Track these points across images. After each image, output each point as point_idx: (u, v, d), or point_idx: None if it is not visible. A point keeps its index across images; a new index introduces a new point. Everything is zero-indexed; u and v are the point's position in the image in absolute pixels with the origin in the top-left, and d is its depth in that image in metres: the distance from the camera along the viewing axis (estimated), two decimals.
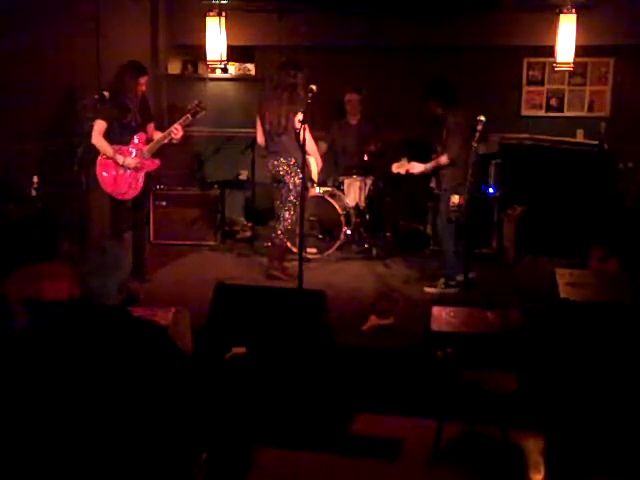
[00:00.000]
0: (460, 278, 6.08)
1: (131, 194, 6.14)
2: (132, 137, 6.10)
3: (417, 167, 6.36)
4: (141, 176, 6.14)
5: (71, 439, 2.59)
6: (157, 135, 6.21)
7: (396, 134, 7.68)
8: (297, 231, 5.76)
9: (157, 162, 6.21)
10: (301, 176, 5.82)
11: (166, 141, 6.16)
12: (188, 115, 6.15)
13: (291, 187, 6.37)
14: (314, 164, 6.50)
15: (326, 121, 7.67)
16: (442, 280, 6.25)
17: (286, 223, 6.46)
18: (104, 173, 6.10)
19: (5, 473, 2.53)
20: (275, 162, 6.40)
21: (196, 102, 6.25)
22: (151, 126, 6.26)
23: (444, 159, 6.12)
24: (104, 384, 2.69)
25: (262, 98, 6.65)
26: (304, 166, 5.75)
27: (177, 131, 6.07)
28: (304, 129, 5.56)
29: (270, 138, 6.41)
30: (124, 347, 2.73)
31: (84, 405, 2.62)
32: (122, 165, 6.04)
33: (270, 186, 6.69)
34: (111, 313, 2.79)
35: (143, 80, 6.05)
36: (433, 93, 6.19)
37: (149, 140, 6.18)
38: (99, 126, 5.97)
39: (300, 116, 5.92)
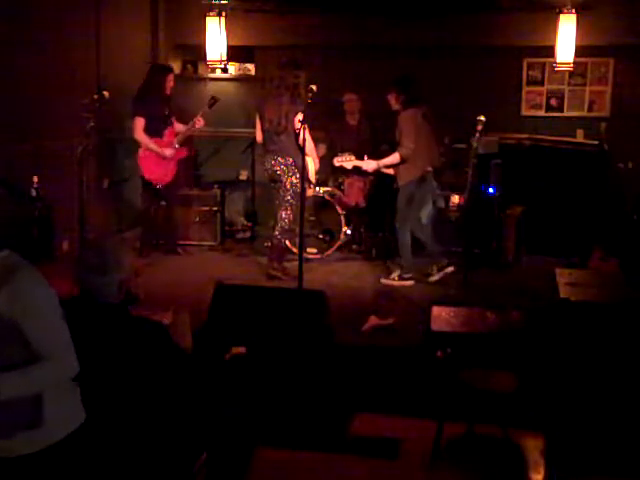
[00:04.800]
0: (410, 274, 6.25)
1: (167, 179, 6.98)
2: (164, 130, 6.91)
3: (370, 164, 6.44)
4: (174, 163, 7.00)
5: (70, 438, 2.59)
6: (178, 127, 7.05)
7: (395, 134, 7.64)
8: (297, 231, 5.75)
9: (186, 150, 7.06)
10: (298, 176, 5.80)
11: (190, 132, 7.05)
12: (206, 107, 6.98)
13: (288, 187, 6.35)
14: (312, 165, 6.47)
15: (325, 121, 7.66)
16: (397, 272, 6.34)
17: (283, 223, 6.45)
18: (146, 163, 6.88)
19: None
20: (272, 161, 6.37)
21: (210, 97, 7.03)
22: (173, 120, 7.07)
23: (396, 157, 6.18)
24: (104, 383, 2.69)
25: (263, 97, 6.64)
26: (304, 166, 5.73)
27: (199, 121, 6.95)
28: (304, 129, 5.55)
29: (269, 137, 6.39)
30: (124, 346, 2.74)
31: (83, 404, 2.62)
32: (163, 155, 6.82)
33: (270, 186, 6.69)
34: (111, 312, 2.79)
35: (170, 77, 6.95)
36: (395, 86, 6.20)
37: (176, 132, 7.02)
38: (139, 122, 6.76)
39: (300, 116, 5.90)
